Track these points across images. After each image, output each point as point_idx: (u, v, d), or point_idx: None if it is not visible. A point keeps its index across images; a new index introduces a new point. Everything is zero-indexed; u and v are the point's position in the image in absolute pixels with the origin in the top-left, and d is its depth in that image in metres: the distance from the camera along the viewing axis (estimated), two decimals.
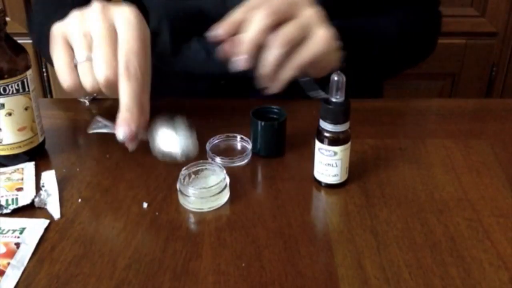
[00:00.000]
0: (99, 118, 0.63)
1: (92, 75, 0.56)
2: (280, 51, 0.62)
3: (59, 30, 0.59)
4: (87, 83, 0.57)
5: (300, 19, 0.63)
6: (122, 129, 0.56)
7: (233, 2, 0.65)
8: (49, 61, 0.70)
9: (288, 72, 0.64)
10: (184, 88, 0.90)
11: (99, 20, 0.56)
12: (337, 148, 0.59)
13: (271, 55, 0.62)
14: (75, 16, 0.58)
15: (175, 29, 0.84)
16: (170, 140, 0.59)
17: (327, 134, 0.58)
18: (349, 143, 0.59)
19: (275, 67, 0.63)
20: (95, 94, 0.65)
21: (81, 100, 0.79)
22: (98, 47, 0.55)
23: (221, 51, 0.63)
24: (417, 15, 0.85)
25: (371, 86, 0.94)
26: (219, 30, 0.63)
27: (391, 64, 0.85)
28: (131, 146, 0.58)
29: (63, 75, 0.58)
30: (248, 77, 0.64)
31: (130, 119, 0.56)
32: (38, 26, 0.79)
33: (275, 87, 0.65)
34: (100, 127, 0.63)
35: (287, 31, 0.62)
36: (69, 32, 0.58)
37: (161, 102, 0.82)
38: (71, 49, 0.58)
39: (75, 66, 0.58)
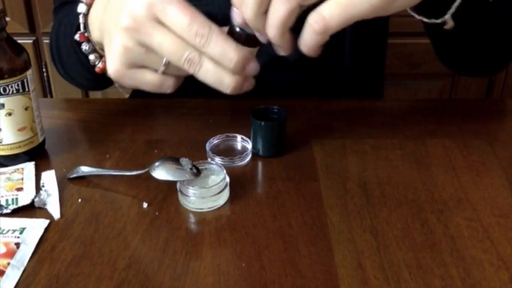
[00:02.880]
0: (82, 167, 0.64)
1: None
2: None
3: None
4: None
5: None
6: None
7: None
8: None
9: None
10: (192, 83, 0.90)
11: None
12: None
13: None
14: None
15: None
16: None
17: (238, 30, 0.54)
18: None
19: None
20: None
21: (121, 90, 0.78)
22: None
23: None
24: None
25: (372, 86, 0.94)
26: None
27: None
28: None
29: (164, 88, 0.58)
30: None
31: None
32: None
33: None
34: (79, 173, 0.64)
35: None
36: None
37: (161, 101, 0.82)
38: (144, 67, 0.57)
39: (163, 73, 0.56)
